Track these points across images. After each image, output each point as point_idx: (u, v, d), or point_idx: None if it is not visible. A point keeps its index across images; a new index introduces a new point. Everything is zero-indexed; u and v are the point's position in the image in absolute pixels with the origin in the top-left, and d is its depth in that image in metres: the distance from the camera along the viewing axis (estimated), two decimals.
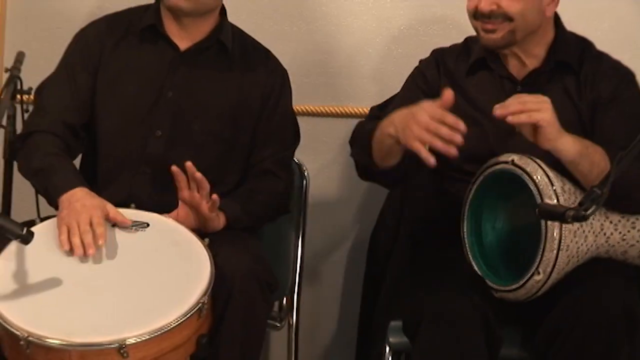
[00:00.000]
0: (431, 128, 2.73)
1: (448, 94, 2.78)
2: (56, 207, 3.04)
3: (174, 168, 3.00)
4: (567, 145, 2.85)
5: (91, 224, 2.88)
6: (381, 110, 3.23)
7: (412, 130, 2.76)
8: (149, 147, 3.25)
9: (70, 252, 2.87)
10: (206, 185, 3.00)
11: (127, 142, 3.25)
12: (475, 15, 3.08)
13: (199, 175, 2.97)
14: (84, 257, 2.88)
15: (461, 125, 2.72)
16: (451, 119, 2.73)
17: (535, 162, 2.85)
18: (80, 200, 2.96)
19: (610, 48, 3.22)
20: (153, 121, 3.26)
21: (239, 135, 3.31)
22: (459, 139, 2.71)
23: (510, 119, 2.79)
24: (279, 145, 3.37)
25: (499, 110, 2.82)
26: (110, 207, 2.96)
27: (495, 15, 3.05)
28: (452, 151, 2.71)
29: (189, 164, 2.98)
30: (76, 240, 2.86)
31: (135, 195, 3.15)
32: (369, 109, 3.56)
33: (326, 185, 3.70)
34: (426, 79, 3.26)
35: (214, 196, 3.02)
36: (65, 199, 2.99)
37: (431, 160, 2.71)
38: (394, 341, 3.09)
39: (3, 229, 2.73)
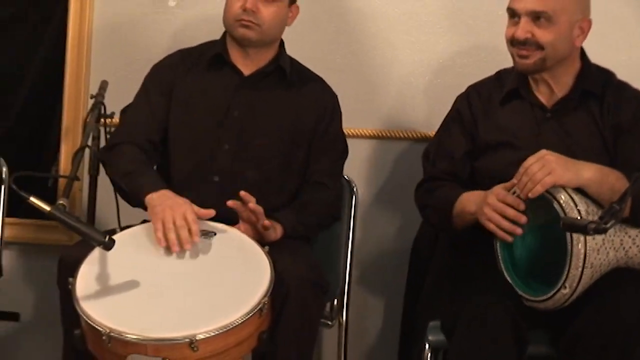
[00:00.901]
0: (499, 210, 2.87)
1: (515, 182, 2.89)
2: (140, 207, 3.08)
3: (230, 203, 3.03)
4: (587, 179, 2.84)
5: (185, 220, 2.91)
6: (431, 165, 3.25)
7: (484, 213, 2.91)
8: (217, 159, 3.27)
9: (167, 249, 2.90)
10: (259, 211, 3.03)
11: (198, 155, 3.27)
12: (512, 42, 3.07)
13: (252, 205, 3.00)
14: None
15: (521, 205, 2.86)
16: (512, 200, 2.88)
17: (562, 187, 2.82)
18: (171, 199, 3.00)
19: (630, 78, 3.20)
20: (221, 137, 3.28)
21: (296, 150, 3.32)
22: (522, 220, 2.87)
23: (531, 196, 2.81)
24: (330, 160, 3.37)
25: (519, 191, 2.86)
26: (194, 206, 2.99)
27: (529, 43, 3.03)
28: (518, 231, 2.88)
29: (243, 193, 3.02)
30: (172, 237, 2.89)
31: (204, 202, 3.11)
32: (412, 131, 3.60)
33: (373, 200, 3.70)
34: (461, 115, 3.24)
35: (267, 222, 3.05)
36: (154, 197, 3.02)
37: (508, 239, 2.90)
38: (433, 339, 3.08)
39: (88, 237, 2.76)
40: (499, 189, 2.91)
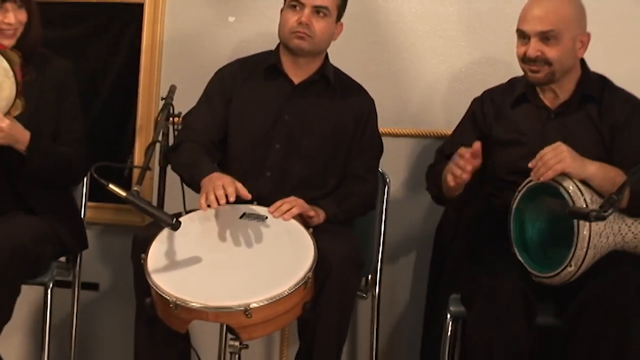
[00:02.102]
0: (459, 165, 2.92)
1: (476, 145, 2.91)
2: (199, 189, 3.07)
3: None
4: (591, 173, 2.84)
5: (223, 187, 2.91)
6: (442, 153, 3.28)
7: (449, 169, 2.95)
8: (269, 157, 3.28)
9: (208, 206, 2.91)
10: (303, 211, 3.05)
11: (254, 153, 3.28)
12: (524, 60, 3.06)
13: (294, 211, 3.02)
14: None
15: (467, 165, 2.90)
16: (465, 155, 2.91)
17: (569, 177, 2.81)
18: (216, 177, 3.00)
19: (624, 83, 3.20)
20: (273, 137, 3.29)
21: (338, 149, 3.32)
22: (465, 176, 2.91)
23: (542, 179, 2.81)
24: (367, 157, 3.37)
25: (533, 175, 2.85)
26: (237, 183, 2.97)
27: (539, 60, 3.03)
28: (452, 183, 2.94)
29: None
30: (211, 197, 2.90)
31: (259, 194, 3.14)
32: (436, 131, 3.60)
33: (403, 190, 3.70)
34: (475, 115, 3.25)
35: (311, 213, 3.07)
36: (205, 180, 3.02)
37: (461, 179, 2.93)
38: (454, 310, 3.08)
39: (158, 219, 2.78)
40: (461, 150, 2.95)
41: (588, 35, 3.10)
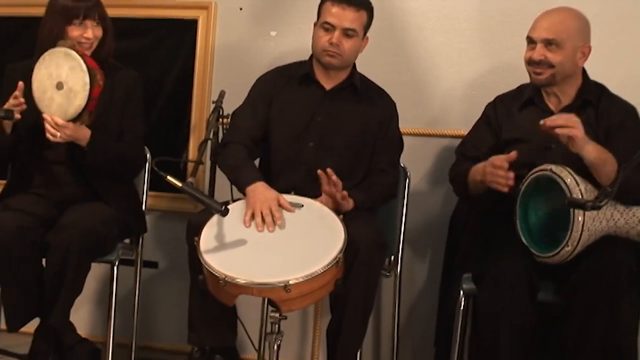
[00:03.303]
0: (494, 173, 2.93)
1: (513, 154, 2.93)
2: (243, 193, 3.08)
3: (320, 172, 3.04)
4: (590, 151, 2.85)
5: (270, 210, 2.92)
6: (461, 154, 3.27)
7: (487, 178, 2.97)
8: (304, 153, 3.27)
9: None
10: (339, 183, 3.03)
11: (290, 150, 3.28)
12: (529, 62, 3.07)
13: (334, 177, 3.01)
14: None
15: (510, 174, 2.91)
16: (504, 166, 2.93)
17: (567, 170, 2.82)
18: (263, 193, 2.99)
19: (618, 90, 3.18)
20: (307, 136, 3.28)
21: (364, 146, 3.31)
22: (510, 183, 2.92)
23: (557, 130, 2.83)
24: (390, 152, 3.36)
25: (548, 121, 2.86)
26: (281, 197, 2.99)
27: (543, 63, 3.03)
28: (507, 189, 2.93)
29: (329, 170, 3.02)
30: (258, 220, 2.90)
31: (295, 185, 3.16)
32: (452, 131, 3.58)
33: (422, 182, 3.68)
34: (488, 118, 3.24)
35: (344, 192, 3.05)
36: (250, 189, 3.02)
37: (504, 189, 2.93)
38: (466, 288, 3.07)
39: (209, 207, 2.79)
40: (492, 158, 2.97)
41: (589, 48, 3.09)
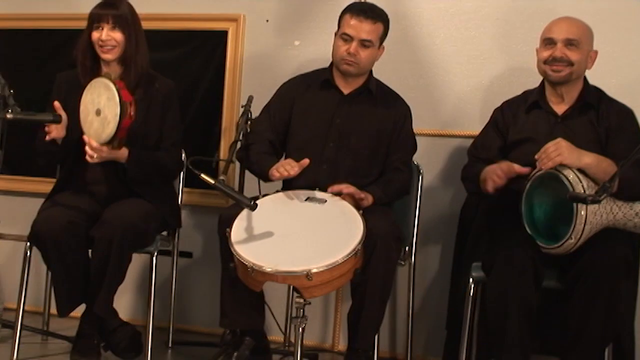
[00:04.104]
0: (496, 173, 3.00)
1: (520, 169, 2.97)
2: (269, 178, 3.11)
3: (331, 190, 3.05)
4: (586, 163, 2.84)
5: (289, 164, 3.02)
6: (473, 154, 3.26)
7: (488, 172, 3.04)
8: (325, 153, 3.26)
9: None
10: (354, 192, 3.04)
11: (312, 149, 3.25)
12: (547, 61, 3.05)
13: (345, 191, 3.02)
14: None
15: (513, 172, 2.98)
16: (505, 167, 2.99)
17: (569, 168, 2.81)
18: (281, 162, 3.09)
19: (615, 94, 3.16)
20: (328, 137, 3.27)
21: (379, 146, 3.30)
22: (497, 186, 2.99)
23: (544, 168, 2.84)
24: (404, 152, 3.34)
25: (537, 164, 2.87)
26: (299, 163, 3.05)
27: (563, 61, 3.02)
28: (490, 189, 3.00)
29: (336, 188, 3.05)
30: (280, 169, 3.01)
31: (318, 182, 3.14)
32: (462, 132, 3.57)
33: (434, 179, 3.66)
34: (496, 122, 3.22)
35: (361, 195, 3.05)
36: (272, 167, 3.07)
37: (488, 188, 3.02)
38: (476, 275, 3.05)
39: (239, 202, 2.79)
40: (505, 164, 3.00)
41: (595, 53, 3.11)
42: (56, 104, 3.10)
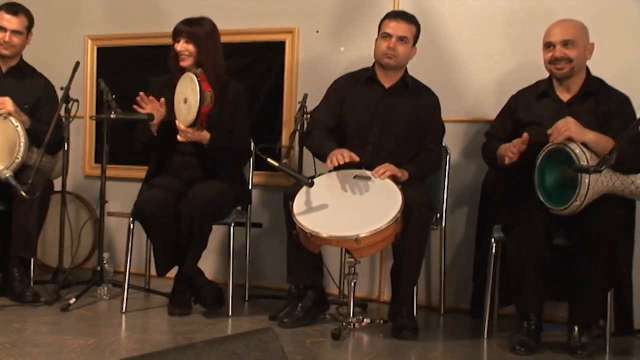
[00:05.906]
0: (510, 148, 2.96)
1: (526, 135, 2.91)
2: (325, 161, 3.10)
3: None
4: (589, 138, 2.80)
5: (342, 154, 2.99)
6: (490, 134, 3.22)
7: (502, 149, 3.03)
8: (370, 137, 3.25)
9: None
10: (395, 172, 3.03)
11: (360, 135, 3.25)
12: (551, 62, 3.01)
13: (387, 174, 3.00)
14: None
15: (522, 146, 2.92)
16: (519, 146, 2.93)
17: (575, 142, 2.77)
18: (337, 150, 3.04)
19: (614, 82, 3.08)
20: (373, 124, 3.26)
21: (415, 130, 3.27)
22: (514, 158, 2.94)
23: (555, 141, 2.80)
24: (435, 135, 3.32)
25: (551, 136, 2.83)
26: (352, 153, 3.02)
27: (564, 59, 2.98)
28: (508, 161, 2.95)
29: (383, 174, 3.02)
30: (335, 157, 2.97)
31: (365, 161, 3.11)
32: (483, 118, 3.51)
33: (459, 158, 3.61)
34: (510, 108, 3.18)
35: (399, 174, 3.03)
36: (331, 153, 3.05)
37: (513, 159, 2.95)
38: (497, 236, 3.04)
39: (299, 180, 2.85)
40: (514, 140, 2.96)
41: (592, 45, 3.05)
42: (162, 100, 3.16)
